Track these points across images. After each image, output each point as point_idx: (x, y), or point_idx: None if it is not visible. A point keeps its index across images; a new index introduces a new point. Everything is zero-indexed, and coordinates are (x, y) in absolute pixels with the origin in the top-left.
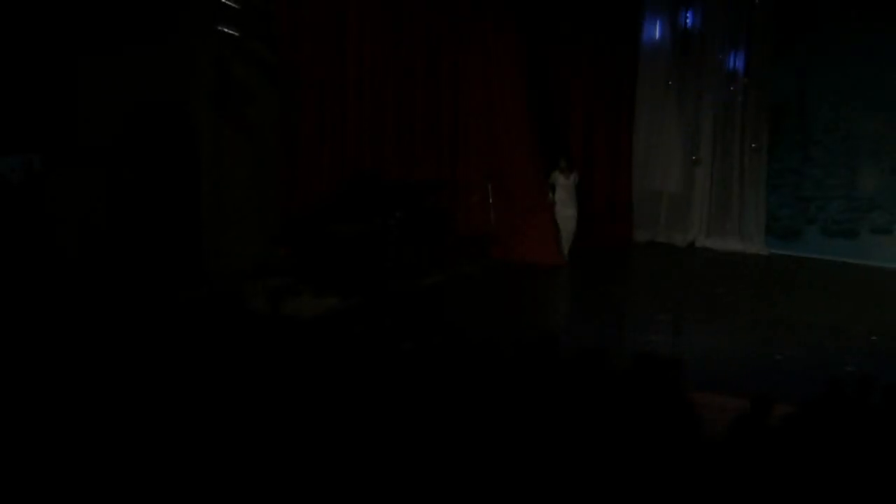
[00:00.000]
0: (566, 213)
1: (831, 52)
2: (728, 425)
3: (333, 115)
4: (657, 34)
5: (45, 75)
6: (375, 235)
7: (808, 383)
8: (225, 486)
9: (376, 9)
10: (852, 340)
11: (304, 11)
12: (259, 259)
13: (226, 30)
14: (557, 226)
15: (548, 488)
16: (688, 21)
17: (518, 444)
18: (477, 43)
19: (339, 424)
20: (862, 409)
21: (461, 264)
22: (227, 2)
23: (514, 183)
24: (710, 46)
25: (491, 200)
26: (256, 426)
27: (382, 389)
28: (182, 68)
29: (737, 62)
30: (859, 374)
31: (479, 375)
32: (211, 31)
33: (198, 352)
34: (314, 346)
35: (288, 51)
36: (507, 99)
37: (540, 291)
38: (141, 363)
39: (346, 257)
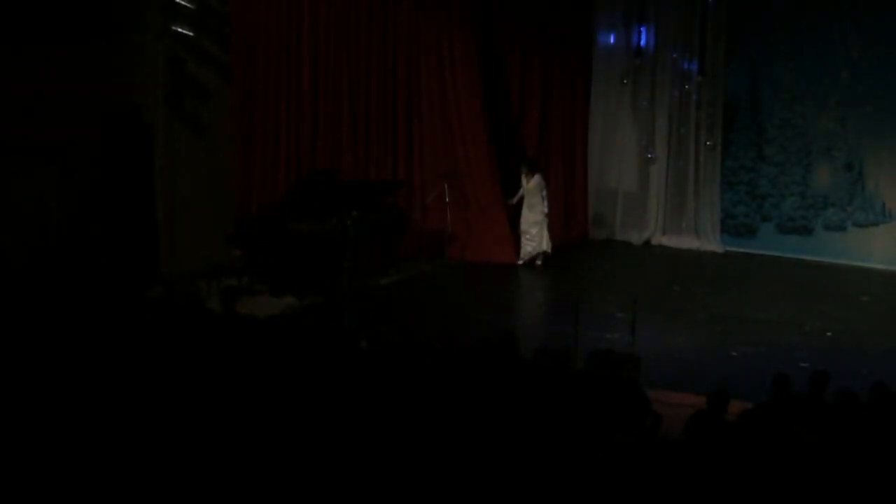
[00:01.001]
0: (529, 217)
1: (784, 49)
2: (685, 422)
3: (288, 115)
4: (611, 33)
5: None
6: (332, 235)
7: (765, 379)
8: (179, 487)
9: (331, 8)
10: (807, 336)
11: (259, 11)
12: (214, 259)
13: (180, 29)
14: (514, 226)
15: (505, 487)
16: (642, 20)
17: (476, 443)
18: (433, 42)
19: (295, 423)
20: (815, 405)
21: (418, 263)
22: (182, 1)
23: (470, 182)
24: (663, 45)
25: (447, 200)
26: (213, 426)
27: (339, 388)
28: (136, 67)
29: (691, 60)
30: (813, 371)
31: (438, 375)
32: (165, 30)
33: (154, 352)
34: (270, 345)
35: (242, 50)
36: (462, 99)
37: (497, 290)
38: (93, 364)
39: (303, 257)
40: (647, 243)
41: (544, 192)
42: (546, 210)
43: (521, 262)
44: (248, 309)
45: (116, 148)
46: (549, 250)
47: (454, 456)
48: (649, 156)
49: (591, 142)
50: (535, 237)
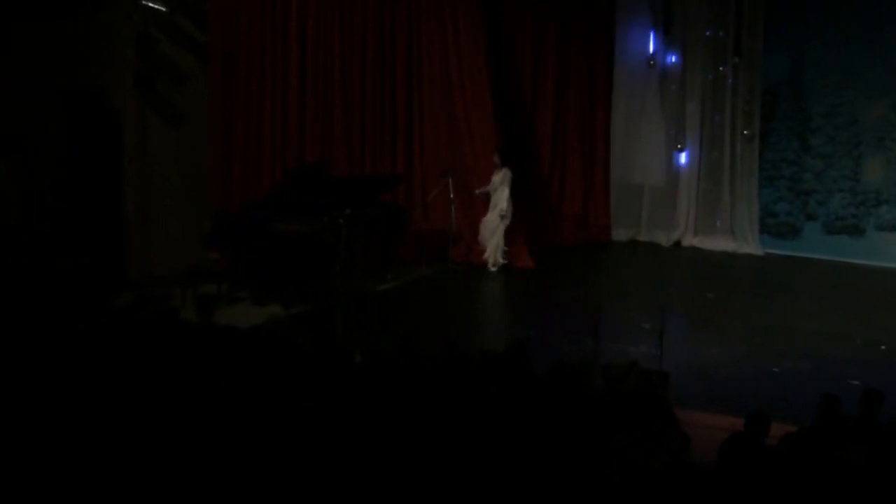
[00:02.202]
0: (487, 218)
1: (830, 27)
2: (720, 447)
3: (274, 102)
4: (636, 9)
5: None
6: (322, 235)
7: (810, 399)
8: None
9: None
10: (859, 350)
11: None
12: (190, 262)
13: (150, 4)
14: (523, 224)
15: None
16: None
17: (484, 469)
18: (434, 23)
19: (281, 448)
20: (868, 428)
21: (418, 267)
22: None
23: (476, 179)
24: (695, 22)
25: (452, 196)
26: (187, 452)
27: (331, 408)
28: (102, 47)
29: (726, 39)
30: (865, 389)
31: (441, 393)
32: (135, 5)
33: (120, 368)
34: (253, 360)
35: (221, 28)
36: (469, 85)
37: (507, 297)
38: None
39: (290, 260)
40: (676, 245)
41: (507, 192)
42: (505, 211)
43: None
44: (227, 319)
45: (80, 137)
46: (501, 260)
47: (459, 484)
48: (679, 147)
49: (613, 132)
50: (489, 241)
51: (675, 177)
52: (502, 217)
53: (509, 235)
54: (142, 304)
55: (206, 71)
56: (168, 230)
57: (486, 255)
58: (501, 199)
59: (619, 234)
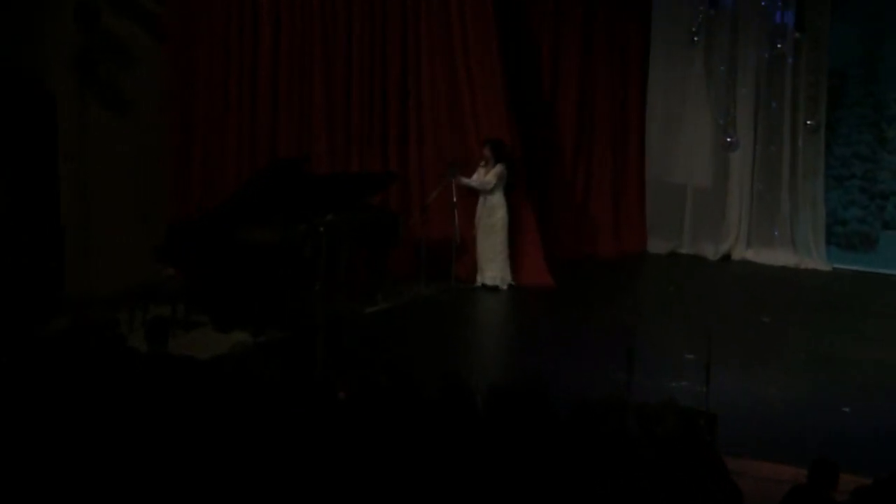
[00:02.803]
0: (487, 226)
1: None
2: (779, 502)
3: (241, 86)
4: None
5: None
6: (298, 247)
7: (885, 445)
8: None
9: None
10: None
11: None
12: (139, 279)
13: None
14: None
15: None
16: None
17: None
18: None
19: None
20: None
21: (416, 285)
22: None
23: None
24: None
25: (455, 200)
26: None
27: (310, 455)
28: (32, 19)
29: (785, 11)
30: None
31: (441, 438)
32: None
33: (52, 406)
34: (215, 397)
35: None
36: (475, 64)
37: (521, 321)
38: None
39: (259, 277)
40: (725, 258)
41: (502, 194)
42: (506, 218)
43: (481, 281)
44: (184, 348)
45: (6, 128)
46: (509, 281)
47: None
48: (729, 140)
49: (649, 122)
50: (495, 257)
51: (723, 177)
52: (502, 226)
53: (526, 245)
54: (80, 330)
55: (161, 50)
56: (113, 240)
57: (491, 278)
58: (499, 203)
59: (657, 245)
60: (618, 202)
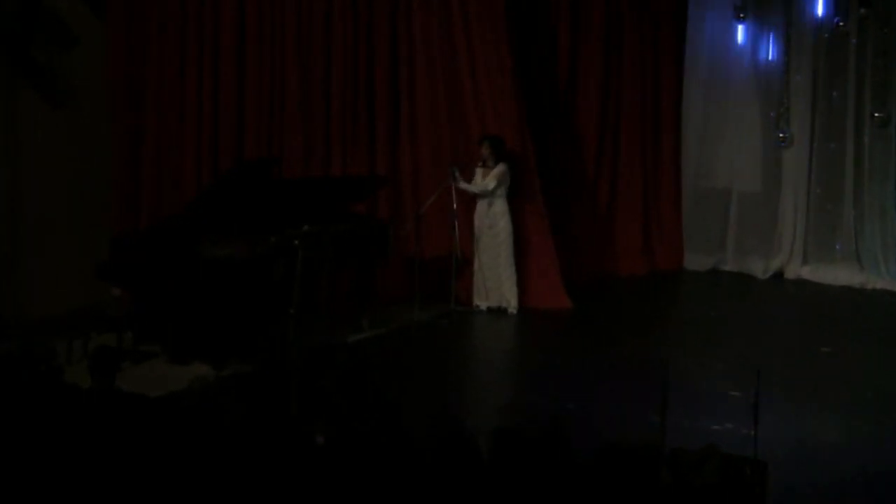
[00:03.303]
0: (488, 237)
1: None
2: None
3: (201, 71)
4: None
5: None
6: (268, 263)
7: None
8: None
9: None
10: None
11: None
12: (80, 302)
13: None
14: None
15: None
16: None
17: None
18: None
19: None
20: None
21: (409, 309)
22: None
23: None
24: None
25: (455, 206)
26: None
27: None
28: None
29: None
30: None
31: (437, 490)
32: None
33: None
34: (170, 441)
35: None
36: (480, 49)
37: (535, 352)
38: None
39: (222, 299)
40: (777, 276)
41: (487, 185)
42: (510, 228)
43: (477, 306)
44: (133, 383)
45: None
46: (515, 305)
47: None
48: (781, 136)
49: (686, 117)
50: (500, 274)
51: (775, 180)
52: (506, 237)
53: (539, 261)
54: (8, 362)
55: (106, 30)
56: (49, 256)
57: (496, 299)
58: (502, 210)
59: (696, 260)
60: (649, 211)
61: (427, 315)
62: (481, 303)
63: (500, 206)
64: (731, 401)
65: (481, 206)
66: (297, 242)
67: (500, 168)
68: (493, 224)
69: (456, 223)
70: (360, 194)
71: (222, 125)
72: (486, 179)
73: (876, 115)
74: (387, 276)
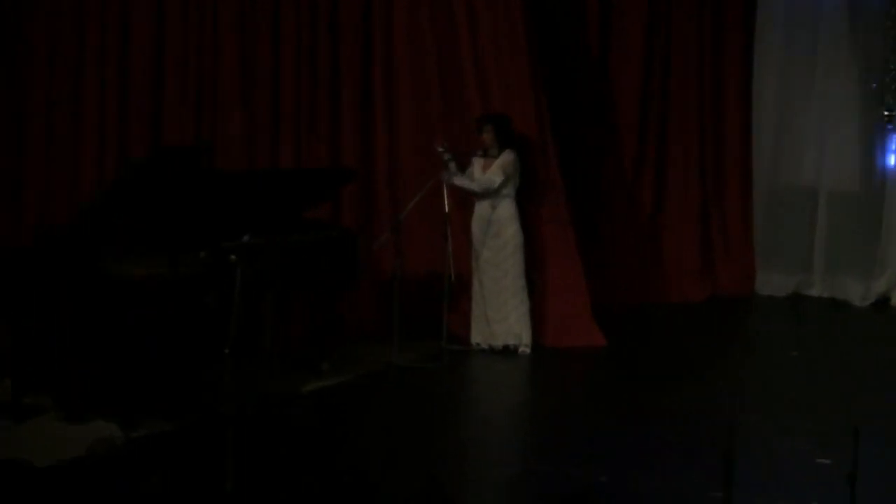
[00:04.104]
0: (479, 247)
1: None
2: None
3: (105, 37)
4: None
5: None
6: (197, 285)
7: None
8: None
9: None
10: None
11: None
12: None
13: None
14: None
15: None
16: None
17: None
18: None
19: None
20: None
21: (385, 348)
22: None
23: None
24: None
25: (448, 209)
26: None
27: None
28: None
29: None
30: None
31: None
32: None
33: None
34: None
35: None
36: (483, 9)
37: (553, 403)
38: None
39: (134, 334)
40: (881, 304)
41: (491, 180)
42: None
43: (474, 342)
44: (14, 448)
45: None
46: (528, 342)
47: None
48: (887, 115)
49: (759, 97)
50: (507, 301)
51: (877, 178)
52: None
53: (557, 288)
54: None
55: None
56: None
57: (503, 334)
58: (510, 213)
59: (772, 282)
60: (708, 219)
61: (409, 356)
62: (481, 340)
63: (508, 208)
64: (818, 470)
65: (481, 208)
66: (234, 258)
67: (508, 156)
68: (499, 233)
69: (449, 232)
70: (319, 194)
71: (134, 104)
72: (489, 172)
73: None
74: (356, 304)
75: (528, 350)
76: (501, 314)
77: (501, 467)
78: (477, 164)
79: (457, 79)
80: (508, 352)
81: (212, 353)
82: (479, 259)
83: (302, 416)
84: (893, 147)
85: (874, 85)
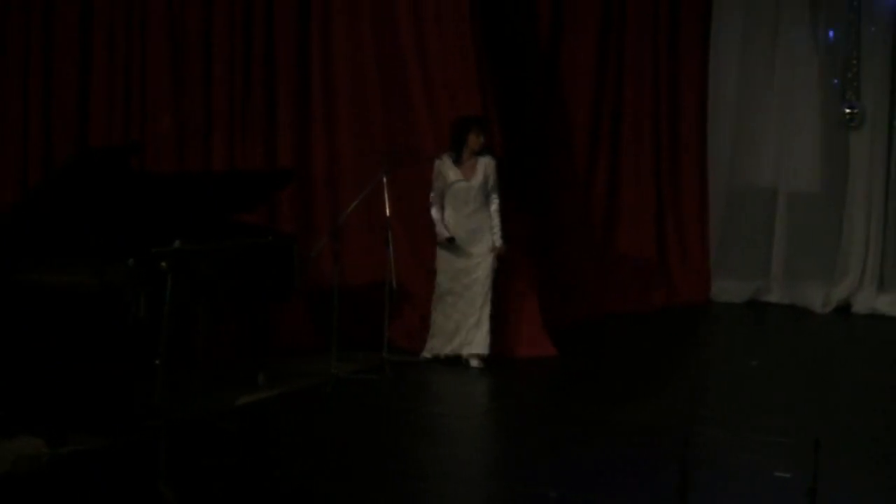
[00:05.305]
0: (458, 258)
1: None
2: None
3: (29, 28)
4: None
5: None
6: (125, 295)
7: None
8: None
9: None
10: None
11: None
12: None
13: None
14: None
15: None
16: None
17: None
18: None
19: None
20: None
21: (324, 359)
22: None
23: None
24: None
25: (388, 213)
26: None
27: None
28: None
29: None
30: None
31: None
32: None
33: None
34: None
35: None
36: (430, 13)
37: (502, 416)
38: None
39: (59, 346)
40: (842, 310)
41: (495, 203)
42: (499, 240)
43: (427, 355)
44: None
45: None
46: (484, 351)
47: None
48: (848, 112)
49: (715, 93)
50: (481, 310)
51: (840, 175)
52: (496, 253)
53: (506, 296)
54: None
55: None
56: None
57: (471, 344)
58: (488, 222)
59: (729, 289)
60: (663, 223)
61: (349, 368)
62: (442, 349)
63: (487, 214)
64: (777, 484)
65: (463, 213)
66: (165, 266)
67: (493, 162)
68: (481, 240)
69: (390, 237)
70: (255, 197)
71: (58, 101)
72: (490, 186)
73: None
74: (293, 313)
75: (480, 364)
76: (471, 321)
77: (446, 486)
78: (451, 168)
79: (398, 77)
80: (458, 362)
81: (142, 365)
82: (454, 264)
83: (237, 431)
84: (855, 146)
85: (836, 82)
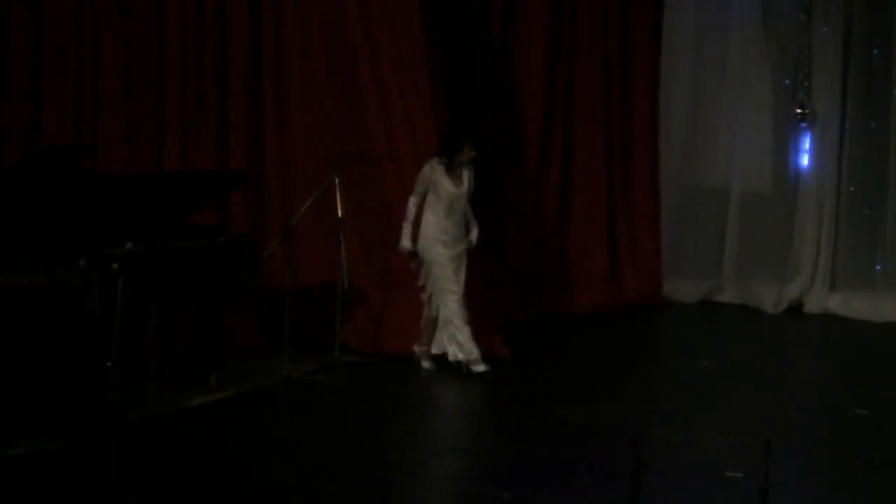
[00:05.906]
0: (445, 264)
1: None
2: None
3: None
4: None
5: None
6: (76, 296)
7: None
8: None
9: None
10: None
11: None
12: None
13: None
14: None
15: None
16: None
17: None
18: None
19: None
20: None
21: (275, 361)
22: None
23: (399, 178)
24: None
25: (340, 214)
26: None
27: None
28: None
29: None
30: None
31: None
32: None
33: None
34: None
35: None
36: (380, 12)
37: (453, 417)
38: None
39: (8, 348)
40: (794, 310)
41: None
42: (475, 239)
43: (436, 351)
44: None
45: None
46: (475, 356)
47: None
48: (799, 112)
49: (667, 87)
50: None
51: (791, 175)
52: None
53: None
54: None
55: None
56: None
57: (455, 352)
58: (459, 227)
59: (681, 289)
60: (615, 222)
61: (301, 369)
62: (441, 350)
63: (465, 218)
64: (729, 484)
65: (453, 220)
66: (116, 267)
67: (472, 169)
68: (461, 241)
69: (342, 238)
70: (207, 197)
71: (6, 106)
72: (467, 194)
73: None
74: (245, 315)
75: (431, 366)
76: (462, 336)
77: (399, 484)
78: (444, 176)
79: (350, 77)
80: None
81: (93, 366)
82: (454, 264)
83: (188, 433)
84: (806, 146)
85: (787, 82)
